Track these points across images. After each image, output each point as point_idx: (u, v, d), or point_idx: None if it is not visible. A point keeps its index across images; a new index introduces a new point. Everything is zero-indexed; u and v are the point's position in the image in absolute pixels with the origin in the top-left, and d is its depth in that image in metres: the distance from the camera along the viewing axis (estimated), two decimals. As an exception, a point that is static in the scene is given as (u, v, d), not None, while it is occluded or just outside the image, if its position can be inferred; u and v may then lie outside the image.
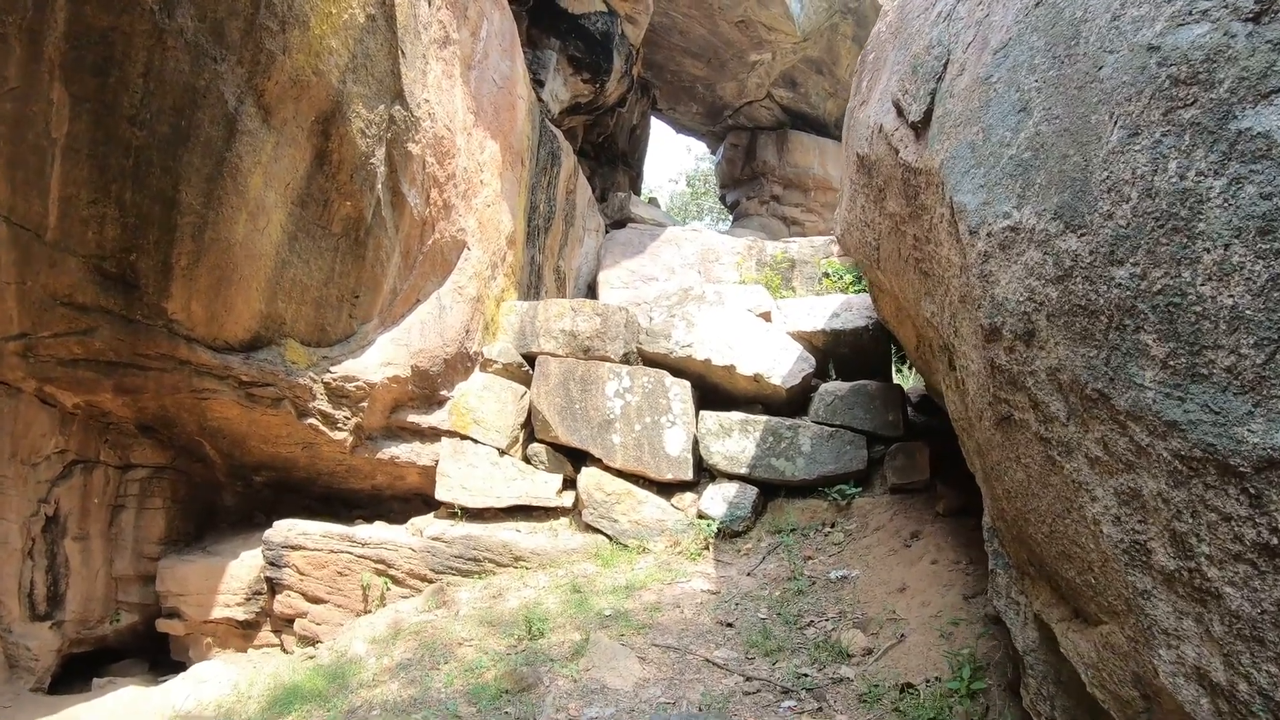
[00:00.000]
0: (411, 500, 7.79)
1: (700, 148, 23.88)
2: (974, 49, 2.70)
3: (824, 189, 14.83)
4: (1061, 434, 2.11)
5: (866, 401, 6.49)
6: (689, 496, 6.59)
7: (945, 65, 2.98)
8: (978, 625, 4.25)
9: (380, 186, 6.42)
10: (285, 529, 6.49)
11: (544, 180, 10.57)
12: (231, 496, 7.69)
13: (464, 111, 7.59)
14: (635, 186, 15.64)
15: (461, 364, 7.71)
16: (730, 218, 17.00)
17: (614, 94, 12.51)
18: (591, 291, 12.36)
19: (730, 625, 4.82)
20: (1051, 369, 2.08)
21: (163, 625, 6.79)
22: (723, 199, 16.55)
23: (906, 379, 9.17)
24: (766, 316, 7.20)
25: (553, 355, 7.20)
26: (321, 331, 6.60)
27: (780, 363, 6.62)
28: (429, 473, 7.31)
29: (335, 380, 6.63)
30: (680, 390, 6.72)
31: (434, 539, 6.31)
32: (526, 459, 7.06)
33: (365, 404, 6.84)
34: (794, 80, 14.29)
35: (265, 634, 6.71)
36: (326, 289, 6.45)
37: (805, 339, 6.95)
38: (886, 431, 6.44)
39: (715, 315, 6.88)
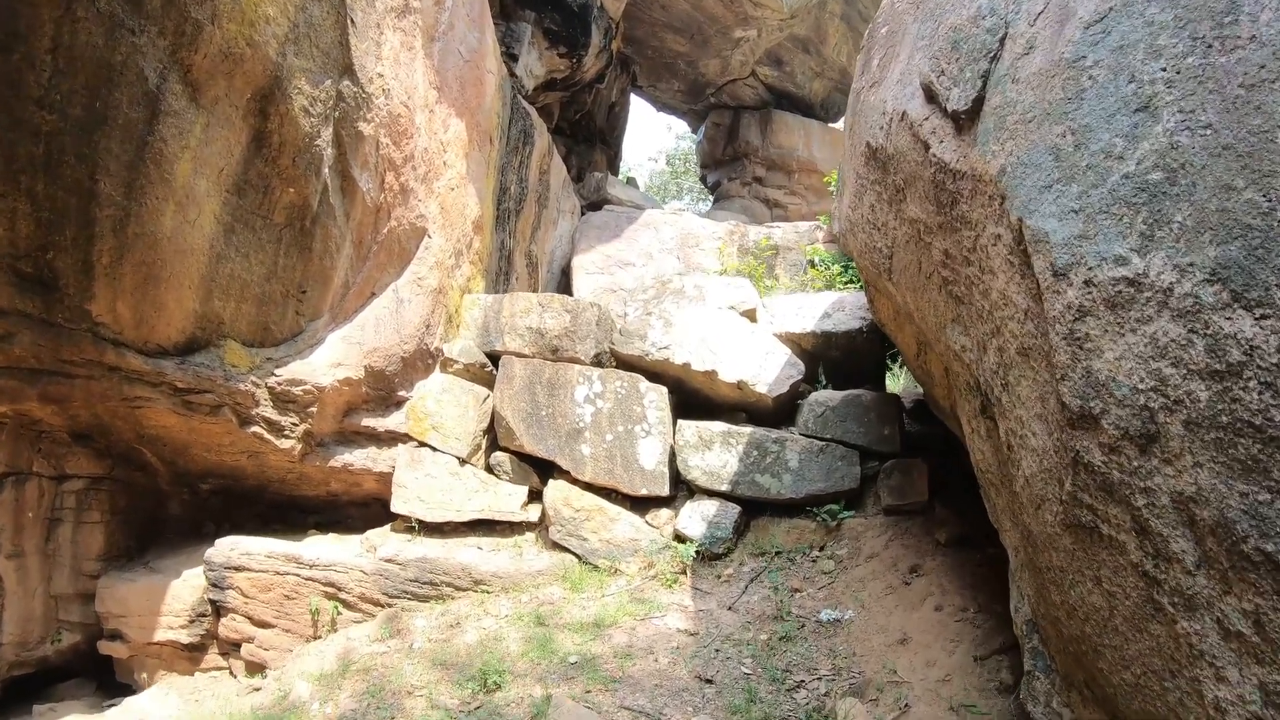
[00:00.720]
0: (370, 505, 7.09)
1: (681, 126, 23.00)
2: (1048, 20, 2.01)
3: (808, 171, 14.11)
4: (1183, 583, 1.47)
5: (860, 414, 5.85)
6: (665, 513, 5.94)
7: (1002, 41, 2.29)
8: (995, 717, 3.61)
9: (328, 171, 5.64)
10: (227, 548, 5.77)
11: (515, 160, 9.78)
12: (177, 506, 6.94)
13: (425, 87, 6.78)
14: (613, 166, 14.82)
15: (421, 361, 6.99)
16: (711, 199, 16.24)
17: (592, 70, 11.66)
18: (565, 277, 11.61)
19: (710, 682, 4.19)
20: (1181, 495, 1.43)
21: (105, 648, 6.07)
22: (703, 179, 15.77)
23: (898, 378, 8.56)
24: (752, 315, 6.52)
25: (518, 355, 6.49)
26: (265, 331, 5.84)
27: (766, 368, 5.95)
28: (386, 479, 6.61)
29: (280, 384, 5.88)
30: (656, 397, 6.05)
31: (387, 560, 5.62)
32: (489, 468, 6.37)
33: (314, 409, 6.10)
34: (779, 59, 13.49)
35: (213, 656, 6.01)
36: (269, 284, 5.69)
37: (794, 341, 6.28)
38: (881, 447, 5.81)
39: (695, 314, 6.19)
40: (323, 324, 6.22)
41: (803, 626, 4.76)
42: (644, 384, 6.07)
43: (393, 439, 6.77)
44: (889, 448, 5.81)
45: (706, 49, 13.15)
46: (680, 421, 6.00)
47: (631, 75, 14.35)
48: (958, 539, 5.21)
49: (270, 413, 5.89)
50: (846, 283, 8.89)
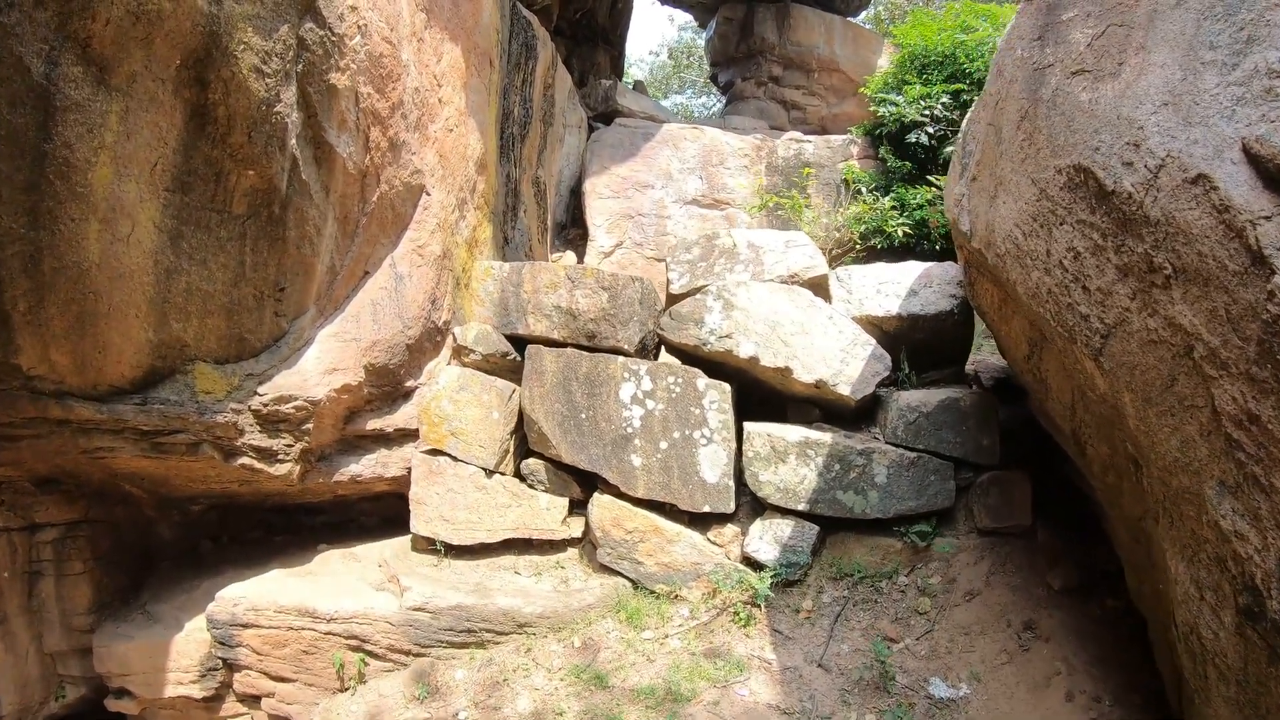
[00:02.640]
0: (384, 499, 5.99)
1: (683, 17, 20.44)
2: None
3: (829, 70, 12.27)
4: None
5: (957, 421, 4.67)
6: (729, 530, 4.86)
7: None
8: None
9: (295, 141, 4.19)
10: (230, 604, 4.69)
11: (518, 79, 8.11)
12: (168, 529, 5.80)
13: (411, 10, 5.19)
14: (617, 67, 12.91)
15: (429, 341, 5.72)
16: (721, 98, 14.38)
17: (596, -37, 9.71)
18: (576, 200, 10.11)
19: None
20: None
21: (113, 705, 5.05)
22: (714, 79, 13.86)
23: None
24: (820, 285, 5.21)
25: (546, 342, 5.21)
26: (240, 343, 4.54)
27: (849, 364, 4.72)
28: (401, 480, 5.49)
29: (267, 404, 4.63)
30: (717, 396, 4.84)
31: (416, 609, 4.56)
32: (521, 476, 5.23)
33: (309, 425, 4.88)
34: (800, -59, 11.44)
35: (232, 703, 5.02)
36: (238, 289, 4.34)
37: (875, 325, 5.02)
38: (979, 458, 4.68)
39: (762, 295, 4.88)
40: (309, 320, 4.91)
41: (912, 706, 3.77)
42: (702, 380, 4.84)
43: (403, 437, 5.59)
44: (987, 460, 4.68)
45: (721, -68, 11.06)
46: (748, 428, 4.82)
47: (636, -36, 12.23)
48: (1076, 587, 4.18)
49: (258, 439, 4.68)
50: (900, 223, 7.50)
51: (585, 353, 5.04)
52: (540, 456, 5.17)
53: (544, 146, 9.15)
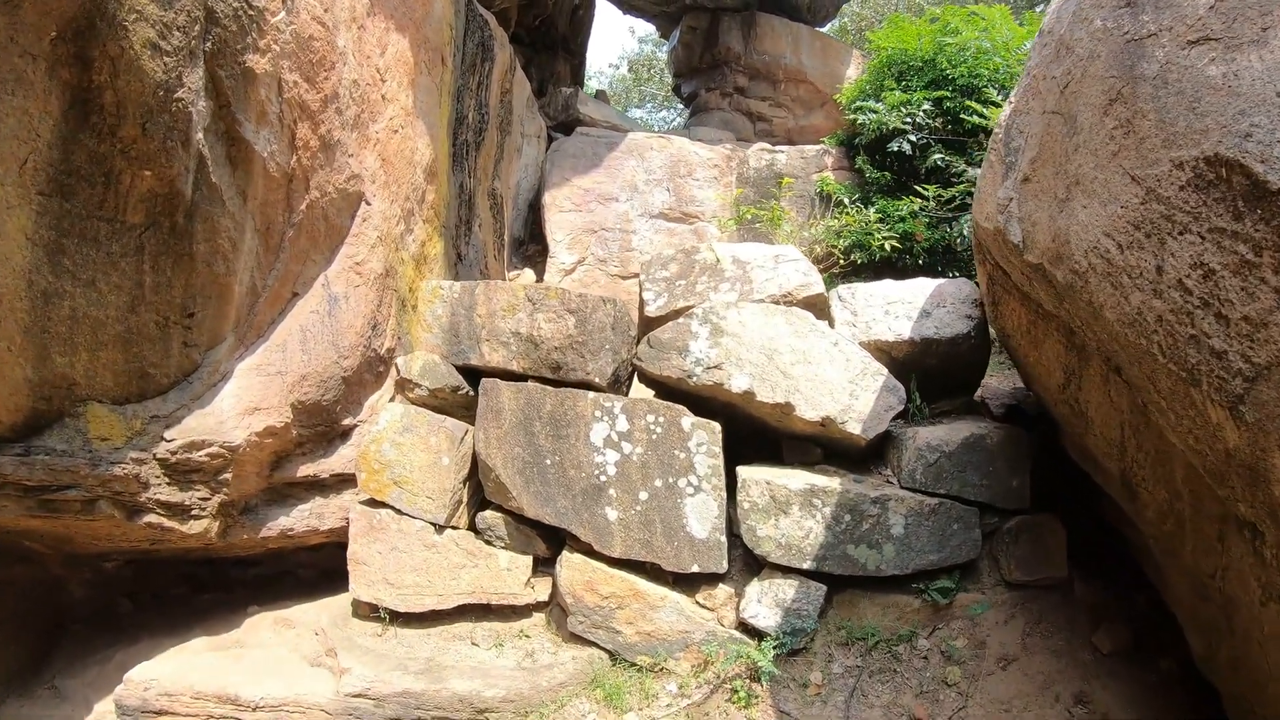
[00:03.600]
0: (324, 548, 5.14)
1: (644, 28, 19.88)
2: None
3: (796, 81, 11.79)
4: None
5: (984, 461, 4.07)
6: (722, 591, 4.16)
7: None
8: None
9: (202, 135, 3.41)
10: (141, 687, 3.82)
11: (473, 81, 7.39)
12: (80, 588, 4.86)
13: (350, -7, 4.46)
14: (578, 76, 12.26)
15: (370, 372, 4.96)
16: (685, 111, 13.81)
17: (556, -37, 9.05)
18: (535, 214, 9.39)
19: None
20: None
21: None
22: (676, 90, 13.29)
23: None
24: (815, 306, 4.57)
25: (503, 375, 4.48)
26: (143, 379, 3.71)
27: (858, 398, 4.08)
28: (341, 532, 4.69)
29: (176, 452, 3.81)
30: (706, 438, 4.15)
31: (356, 696, 3.75)
32: (476, 530, 4.46)
33: (228, 475, 4.06)
34: (767, -52, 10.95)
35: None
36: (137, 315, 3.53)
37: (883, 350, 4.40)
38: (1007, 502, 4.08)
39: (755, 316, 4.22)
40: (226, 351, 4.10)
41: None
42: (687, 419, 4.15)
43: (341, 483, 4.81)
44: (1015, 503, 4.08)
45: (685, -64, 10.50)
46: (742, 474, 4.14)
47: (597, -31, 11.62)
48: (1126, 648, 3.60)
49: (166, 493, 3.84)
50: (886, 236, 6.95)
51: (549, 387, 4.32)
52: (499, 508, 4.42)
53: (501, 156, 8.43)
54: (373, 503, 4.43)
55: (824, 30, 12.84)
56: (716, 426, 4.12)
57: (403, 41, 5.33)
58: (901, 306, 4.45)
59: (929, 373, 4.48)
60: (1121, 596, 3.86)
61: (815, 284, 4.60)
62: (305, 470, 4.58)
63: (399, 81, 5.29)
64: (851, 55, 11.93)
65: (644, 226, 8.88)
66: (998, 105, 6.64)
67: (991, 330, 4.49)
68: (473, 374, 4.64)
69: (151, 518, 3.87)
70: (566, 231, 8.84)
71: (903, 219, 7.33)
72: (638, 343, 4.53)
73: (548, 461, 4.23)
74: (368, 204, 4.97)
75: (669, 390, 4.37)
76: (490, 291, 4.64)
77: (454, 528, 4.43)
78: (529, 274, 9.27)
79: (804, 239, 7.95)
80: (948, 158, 7.27)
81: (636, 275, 8.76)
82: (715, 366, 4.12)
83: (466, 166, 7.48)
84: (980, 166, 7.11)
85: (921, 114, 7.57)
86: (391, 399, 5.03)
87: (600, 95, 11.73)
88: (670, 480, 4.11)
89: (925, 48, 7.93)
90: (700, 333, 4.18)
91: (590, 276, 8.69)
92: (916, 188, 7.12)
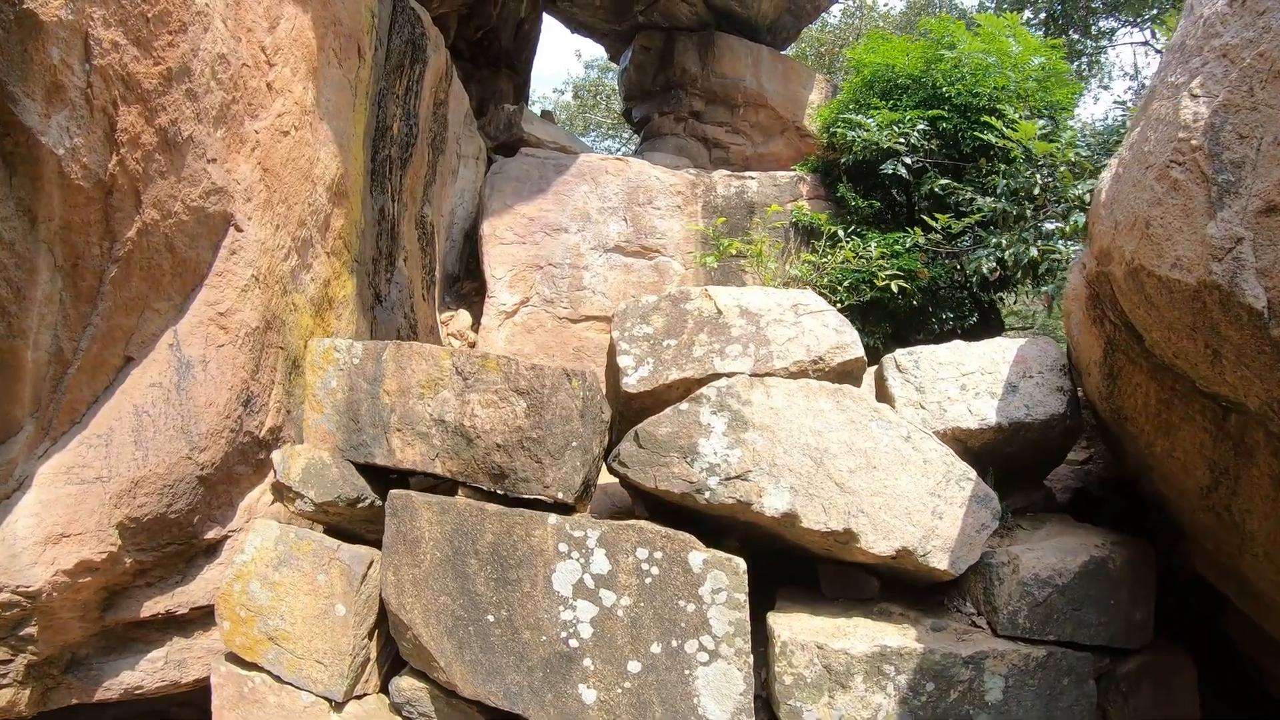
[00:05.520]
0: (200, 692, 3.49)
1: (591, 51, 18.53)
2: None
3: (755, 106, 10.65)
4: None
5: (1105, 593, 2.74)
6: (750, 806, 2.70)
7: None
8: None
9: None
10: None
11: (400, 85, 5.89)
12: None
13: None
14: (522, 95, 10.85)
15: (247, 461, 3.47)
16: (635, 139, 12.52)
17: (497, -39, 7.64)
18: (472, 245, 7.88)
19: None
20: None
21: None
22: (627, 115, 12.00)
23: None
24: (850, 374, 3.21)
25: (424, 482, 2.96)
26: None
27: (942, 516, 2.71)
28: (204, 682, 3.10)
29: None
30: (725, 582, 2.69)
31: None
32: (394, 707, 2.90)
33: (32, 628, 2.44)
34: (726, -38, 9.80)
35: None
36: None
37: (959, 440, 3.06)
38: (1127, 642, 2.78)
39: (790, 401, 2.80)
40: (23, 448, 2.55)
41: None
42: (697, 555, 2.69)
43: (207, 617, 3.22)
44: (1137, 641, 2.79)
45: (639, -55, 9.27)
46: (778, 629, 2.69)
47: (542, -18, 10.28)
48: None
49: None
50: (892, 276, 5.70)
51: (490, 505, 2.82)
52: (423, 676, 2.87)
53: (433, 178, 6.90)
54: (243, 663, 2.83)
55: (788, 52, 11.78)
56: (740, 565, 2.68)
57: (303, 17, 3.85)
58: (980, 379, 3.12)
59: (1007, 461, 3.17)
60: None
61: (852, 344, 3.24)
62: (154, 606, 2.99)
63: (295, 69, 3.80)
64: (814, 80, 10.87)
65: (597, 261, 7.46)
66: (1014, 125, 5.51)
67: (1086, 404, 3.22)
68: (379, 476, 3.12)
69: None
70: (508, 267, 7.36)
71: (902, 253, 6.14)
72: (613, 430, 3.09)
73: (490, 618, 2.71)
74: (239, 230, 3.45)
75: (666, 506, 2.91)
76: (403, 358, 3.13)
77: (359, 697, 2.88)
78: (464, 316, 7.73)
79: (785, 276, 6.67)
80: (951, 184, 6.10)
81: (590, 318, 7.32)
82: (738, 476, 2.69)
83: (389, 188, 5.94)
84: (991, 194, 6.04)
85: (916, 134, 6.42)
86: (273, 502, 3.46)
87: (546, 115, 10.34)
88: (674, 643, 2.64)
89: (914, 64, 6.81)
90: (714, 425, 2.74)
91: (535, 319, 7.21)
92: (923, 218, 5.91)
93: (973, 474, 2.81)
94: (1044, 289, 5.88)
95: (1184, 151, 2.20)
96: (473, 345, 7.36)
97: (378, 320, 5.46)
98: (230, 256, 3.42)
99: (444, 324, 7.67)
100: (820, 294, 6.32)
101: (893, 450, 2.75)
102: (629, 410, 3.26)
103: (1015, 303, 10.15)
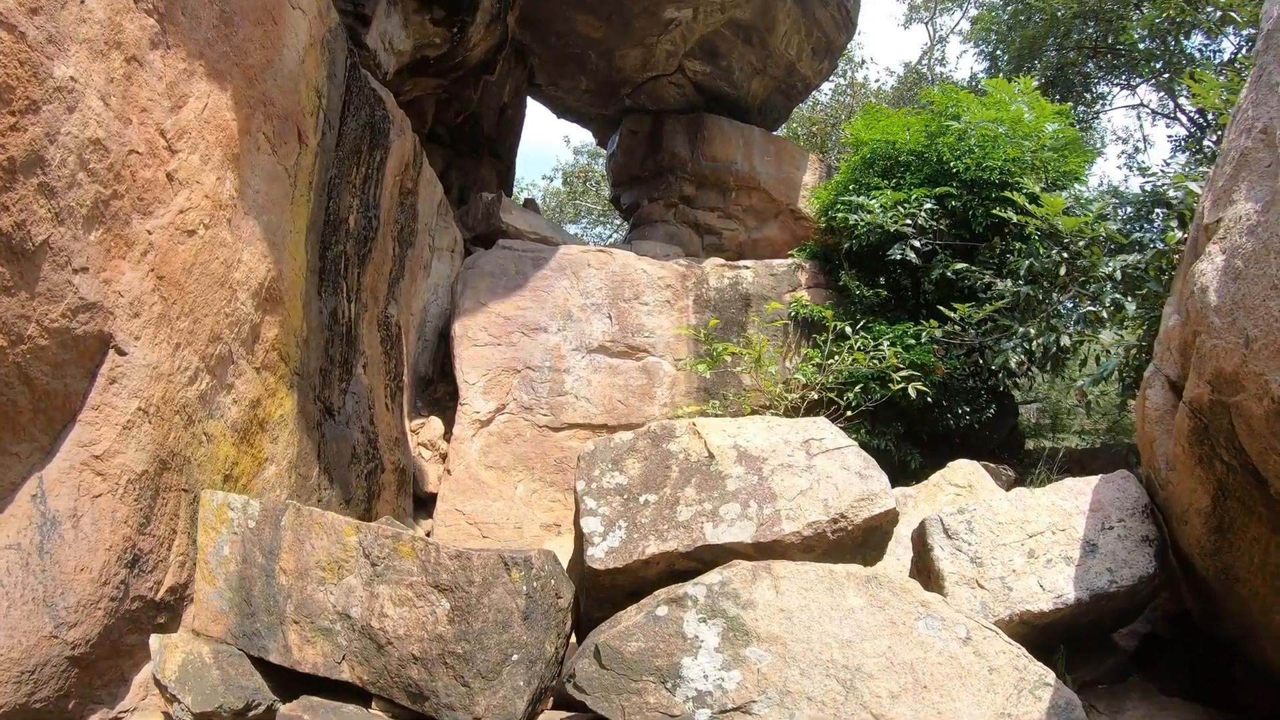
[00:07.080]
0: None
1: (580, 138, 18.55)
2: None
3: (748, 189, 10.23)
4: None
5: None
6: None
7: None
8: None
9: None
10: None
11: (356, 174, 5.32)
12: None
13: None
14: (505, 184, 10.43)
15: (140, 628, 2.70)
16: (625, 226, 12.11)
17: (479, 47, 7.20)
18: (445, 345, 7.22)
19: None
20: None
21: None
22: (616, 201, 11.62)
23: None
24: (882, 529, 2.46)
25: (327, 691, 2.17)
26: None
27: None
28: None
29: None
30: None
31: None
32: None
33: None
34: (715, 50, 9.50)
35: None
36: None
37: (1027, 623, 2.28)
38: None
39: (805, 598, 2.03)
40: None
41: None
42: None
43: None
44: None
45: (628, 34, 8.97)
46: None
47: (529, 70, 9.99)
48: None
49: None
50: (907, 377, 5.00)
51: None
52: None
53: (400, 274, 6.31)
54: None
55: (780, 133, 11.46)
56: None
57: (219, 95, 3.29)
58: (1051, 540, 2.36)
59: (1077, 630, 2.39)
60: None
61: (881, 494, 2.49)
62: None
63: (206, 156, 3.21)
64: (808, 160, 10.48)
65: (580, 363, 6.79)
66: (1036, 199, 4.93)
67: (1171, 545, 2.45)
68: (277, 676, 2.34)
69: None
70: (482, 371, 6.67)
71: (911, 347, 5.47)
72: (578, 608, 2.31)
73: None
74: (120, 353, 2.80)
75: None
76: (302, 529, 2.40)
77: None
78: (436, 424, 7.00)
79: (786, 375, 5.98)
80: (966, 268, 5.48)
81: (573, 426, 6.59)
82: (738, 709, 1.90)
83: (345, 287, 5.31)
84: (1011, 277, 5.44)
85: (924, 214, 5.85)
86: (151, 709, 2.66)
87: (530, 204, 9.89)
88: None
89: (916, 138, 6.31)
90: (704, 637, 1.97)
91: (513, 428, 6.48)
92: (939, 308, 5.25)
93: (1050, 677, 2.02)
94: (1079, 383, 5.20)
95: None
96: (444, 457, 6.61)
97: (326, 438, 4.75)
98: (109, 386, 2.77)
99: (414, 432, 6.93)
100: (827, 396, 5.64)
101: (948, 659, 1.97)
102: (595, 586, 2.50)
103: (1032, 389, 9.46)
